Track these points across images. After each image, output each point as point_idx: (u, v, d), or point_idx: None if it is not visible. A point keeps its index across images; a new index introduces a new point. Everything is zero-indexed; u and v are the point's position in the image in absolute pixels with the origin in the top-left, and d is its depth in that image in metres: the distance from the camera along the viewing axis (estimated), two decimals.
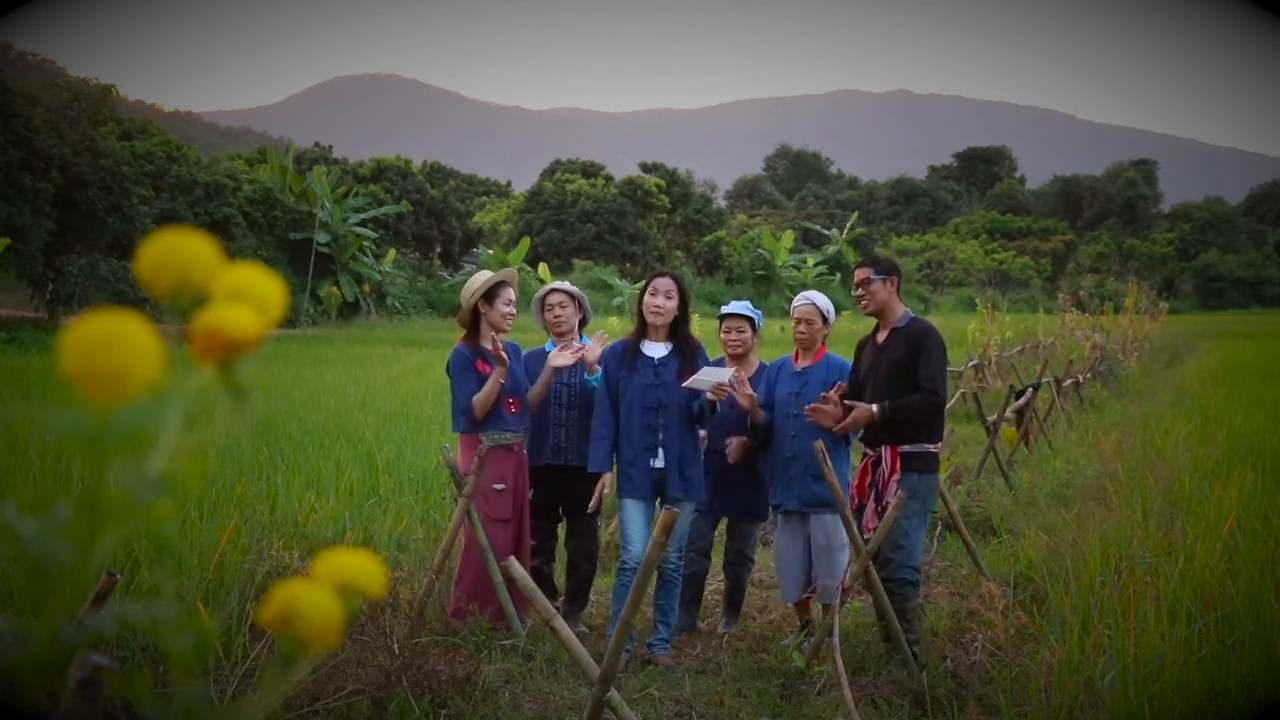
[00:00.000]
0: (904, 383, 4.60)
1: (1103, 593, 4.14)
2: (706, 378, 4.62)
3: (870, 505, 4.66)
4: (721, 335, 5.43)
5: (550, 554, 5.43)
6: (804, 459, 4.88)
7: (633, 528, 4.75)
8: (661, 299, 4.80)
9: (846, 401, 4.70)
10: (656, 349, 4.83)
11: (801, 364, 5.13)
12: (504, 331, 5.16)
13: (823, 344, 5.18)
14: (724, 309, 5.50)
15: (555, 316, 5.38)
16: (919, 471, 4.58)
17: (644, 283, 4.92)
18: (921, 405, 4.56)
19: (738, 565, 5.41)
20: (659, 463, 4.72)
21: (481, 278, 5.20)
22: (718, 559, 5.78)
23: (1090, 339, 20.41)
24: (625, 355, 4.82)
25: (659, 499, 4.80)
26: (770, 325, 32.02)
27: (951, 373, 14.48)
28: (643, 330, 4.88)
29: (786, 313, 5.43)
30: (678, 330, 4.84)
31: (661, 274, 4.93)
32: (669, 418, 4.72)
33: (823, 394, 4.74)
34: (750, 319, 5.37)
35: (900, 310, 4.77)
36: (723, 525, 5.61)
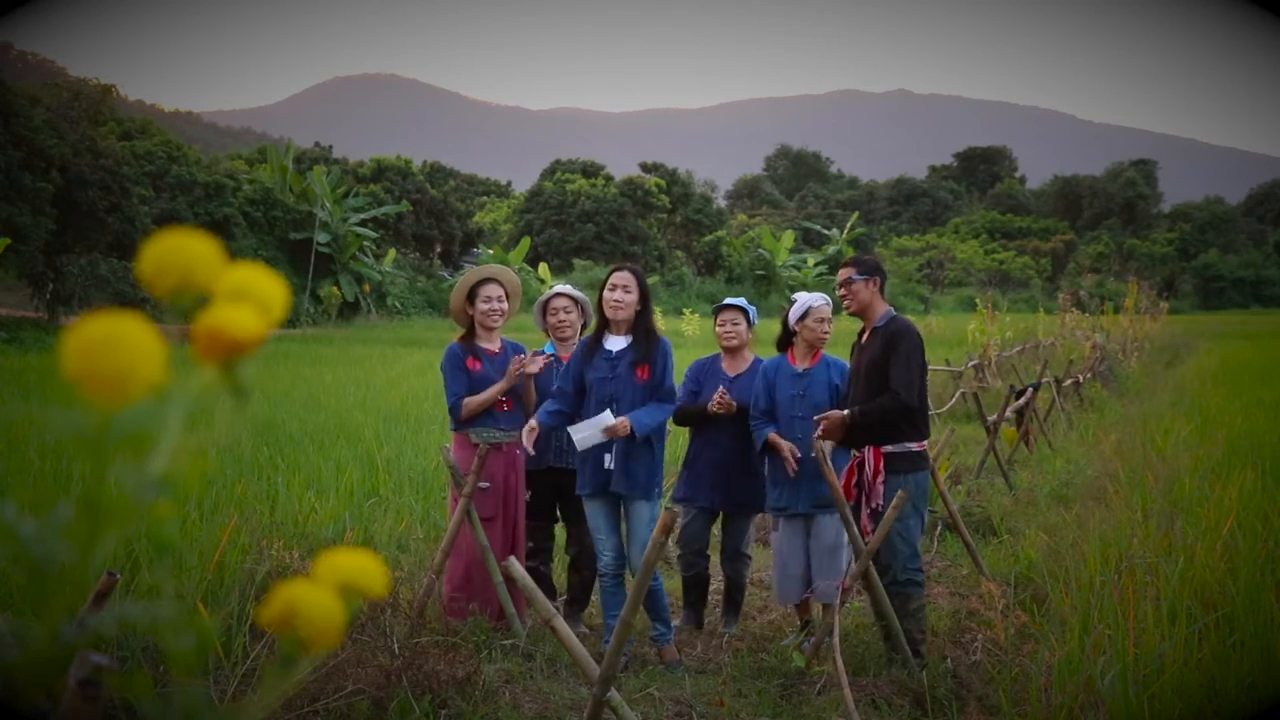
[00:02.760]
0: (880, 383, 4.62)
1: (1103, 593, 4.14)
2: (588, 430, 4.61)
3: (862, 509, 4.66)
4: (716, 328, 5.46)
5: (548, 554, 5.42)
6: (813, 461, 4.89)
7: (599, 534, 4.79)
8: (620, 293, 4.79)
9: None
10: (616, 343, 4.83)
11: (802, 365, 5.12)
12: (491, 329, 5.16)
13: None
14: (719, 303, 5.57)
15: (559, 320, 5.38)
16: (903, 471, 4.59)
17: (604, 279, 4.93)
18: (887, 407, 4.57)
19: (735, 561, 5.38)
20: (609, 463, 4.71)
21: (466, 276, 5.23)
22: (716, 556, 5.78)
23: (1090, 339, 20.42)
24: (587, 350, 4.84)
25: (616, 498, 4.80)
26: (771, 325, 32.00)
27: (951, 373, 14.49)
28: (604, 325, 4.88)
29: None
30: (639, 325, 4.83)
31: (620, 268, 4.93)
32: (619, 412, 4.70)
33: (816, 418, 4.76)
34: (745, 311, 5.41)
35: (882, 310, 4.79)
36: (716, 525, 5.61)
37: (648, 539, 4.79)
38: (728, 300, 5.51)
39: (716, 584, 5.87)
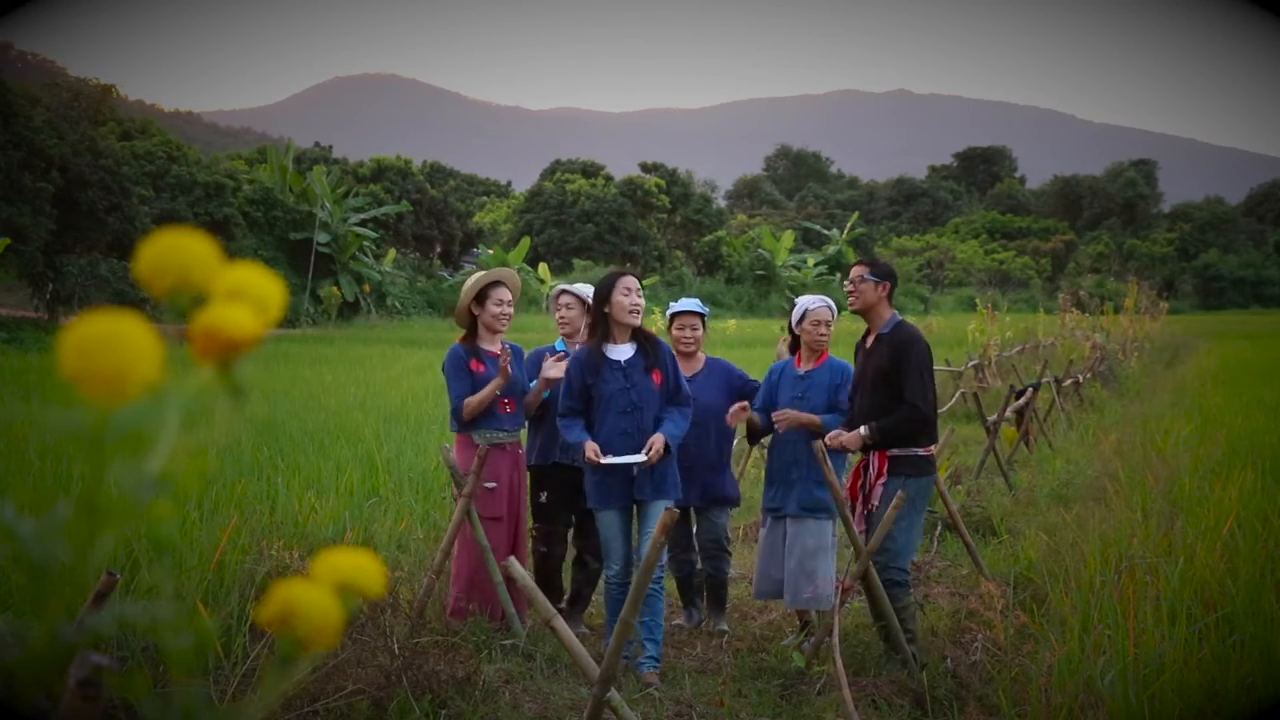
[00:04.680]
0: (888, 392, 4.59)
1: (1103, 593, 4.14)
2: (624, 461, 4.53)
3: (859, 508, 4.66)
4: (674, 332, 5.37)
5: (560, 559, 5.36)
6: (805, 463, 4.88)
7: (614, 544, 4.64)
8: (636, 297, 4.66)
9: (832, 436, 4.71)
10: (622, 351, 4.69)
11: (804, 368, 5.12)
12: (498, 332, 5.15)
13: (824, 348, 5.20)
14: (675, 307, 5.45)
15: (561, 318, 5.38)
16: (906, 475, 4.57)
17: (606, 285, 4.70)
18: (906, 420, 4.56)
19: (715, 558, 5.37)
20: (636, 471, 4.59)
21: (476, 278, 5.21)
22: None
23: (1090, 339, 20.43)
24: (591, 362, 4.65)
25: (635, 504, 4.69)
26: (770, 325, 31.99)
27: (951, 373, 14.49)
28: (604, 335, 4.71)
29: (786, 313, 5.39)
30: (638, 328, 4.74)
31: (624, 273, 4.75)
32: (644, 420, 4.60)
33: (830, 437, 4.69)
34: (702, 316, 5.40)
35: (888, 315, 4.77)
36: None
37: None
38: (685, 305, 5.43)
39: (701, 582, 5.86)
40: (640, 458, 4.51)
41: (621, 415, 4.60)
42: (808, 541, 4.92)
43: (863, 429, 4.58)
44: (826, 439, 4.69)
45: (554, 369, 5.06)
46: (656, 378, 4.66)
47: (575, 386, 4.68)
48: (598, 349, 4.68)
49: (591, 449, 4.53)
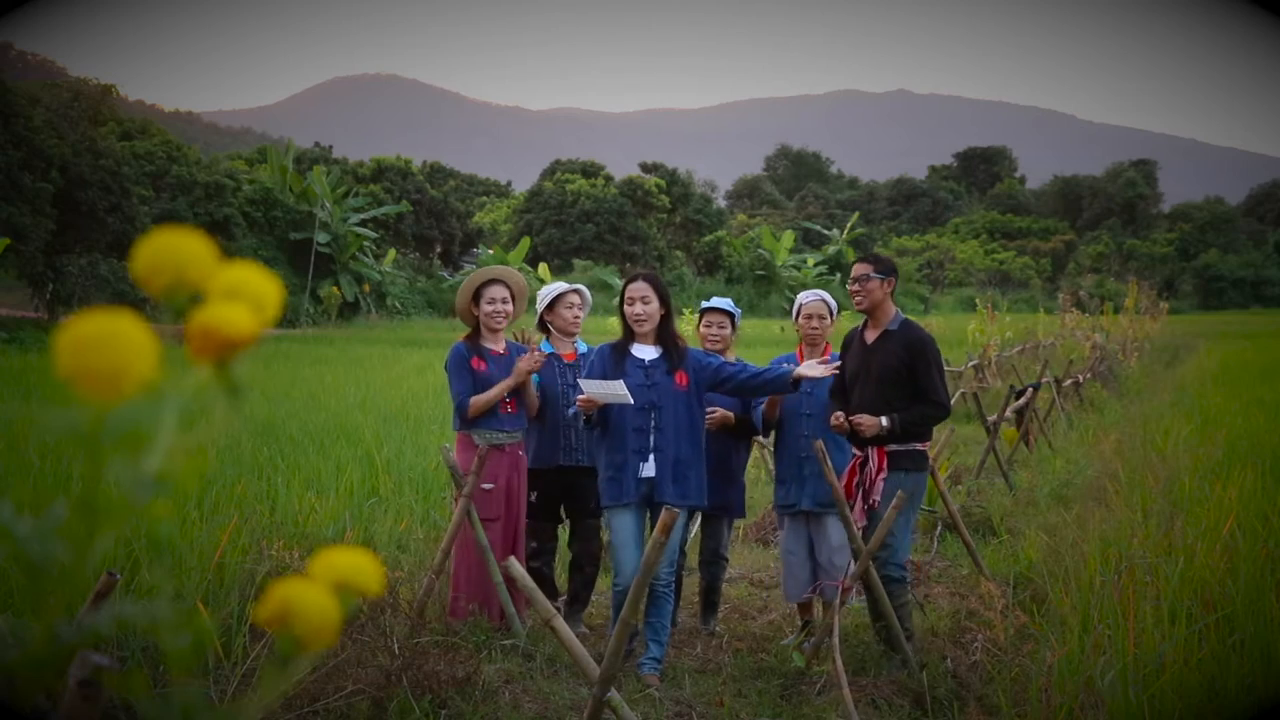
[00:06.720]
0: (896, 389, 4.59)
1: (1103, 593, 4.14)
2: (601, 389, 4.46)
3: (858, 504, 4.65)
4: (701, 329, 5.35)
5: (551, 555, 5.40)
6: (815, 458, 4.87)
7: (625, 551, 4.55)
8: (640, 306, 4.64)
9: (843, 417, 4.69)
10: (646, 351, 4.68)
11: None
12: (495, 330, 5.15)
13: (827, 343, 5.18)
14: (704, 304, 5.47)
15: (575, 316, 5.36)
16: (905, 470, 4.60)
17: (621, 290, 4.76)
18: (932, 416, 4.63)
19: (713, 565, 5.36)
20: (649, 471, 4.53)
21: (471, 277, 5.23)
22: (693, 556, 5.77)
23: (1090, 339, 20.44)
24: (614, 356, 4.66)
25: (649, 509, 4.61)
26: (770, 325, 32.00)
27: (951, 373, 14.48)
28: (630, 335, 4.71)
29: (787, 313, 5.40)
30: (664, 331, 4.69)
31: (634, 278, 4.73)
32: (662, 419, 4.54)
33: (835, 415, 4.68)
34: (731, 314, 5.35)
35: (892, 312, 4.77)
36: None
37: (675, 550, 4.71)
38: (714, 303, 5.40)
39: (693, 584, 5.84)
40: (625, 394, 4.43)
41: (637, 412, 4.55)
42: (833, 538, 4.91)
43: (884, 419, 4.55)
44: (831, 420, 4.69)
45: (527, 361, 5.01)
46: (680, 379, 4.61)
47: (594, 380, 4.66)
48: (623, 345, 4.70)
49: (582, 399, 4.50)
